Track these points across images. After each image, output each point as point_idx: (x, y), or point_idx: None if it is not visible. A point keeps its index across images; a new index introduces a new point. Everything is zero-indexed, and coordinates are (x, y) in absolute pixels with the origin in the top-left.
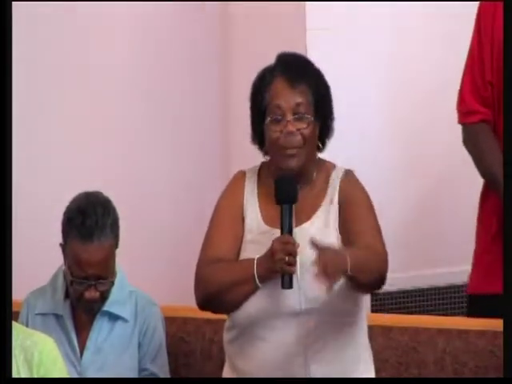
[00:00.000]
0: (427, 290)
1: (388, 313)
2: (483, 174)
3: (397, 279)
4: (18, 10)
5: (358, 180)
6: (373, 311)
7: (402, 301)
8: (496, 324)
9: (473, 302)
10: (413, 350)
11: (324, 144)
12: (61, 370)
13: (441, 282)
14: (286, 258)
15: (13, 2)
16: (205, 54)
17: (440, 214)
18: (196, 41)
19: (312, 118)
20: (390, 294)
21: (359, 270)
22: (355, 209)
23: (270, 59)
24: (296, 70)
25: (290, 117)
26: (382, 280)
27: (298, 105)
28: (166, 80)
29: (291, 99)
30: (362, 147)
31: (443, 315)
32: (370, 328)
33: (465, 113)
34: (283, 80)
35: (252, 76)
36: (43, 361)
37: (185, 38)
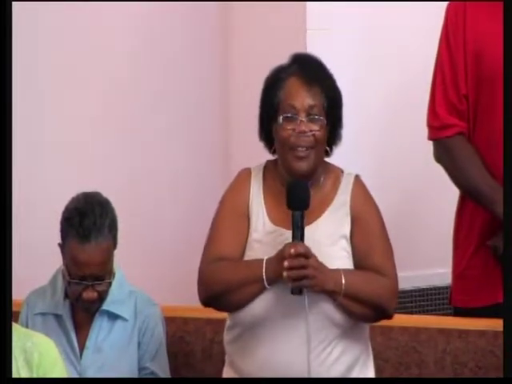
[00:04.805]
0: (427, 289)
1: None
2: (464, 186)
3: None
4: (18, 10)
5: (368, 190)
6: None
7: (402, 301)
8: (496, 324)
9: (460, 314)
10: (413, 349)
11: (331, 150)
12: (60, 372)
13: (441, 282)
14: (297, 272)
15: (13, 2)
16: (205, 53)
17: (440, 212)
18: (196, 40)
19: (325, 121)
20: None
21: (354, 298)
22: (367, 226)
23: (271, 59)
24: (312, 72)
25: (303, 117)
26: (383, 311)
27: (312, 106)
28: (165, 80)
29: (306, 100)
30: (363, 146)
31: (443, 315)
32: (370, 328)
33: (438, 128)
34: (299, 79)
35: (252, 75)
36: (43, 362)
37: (185, 38)
